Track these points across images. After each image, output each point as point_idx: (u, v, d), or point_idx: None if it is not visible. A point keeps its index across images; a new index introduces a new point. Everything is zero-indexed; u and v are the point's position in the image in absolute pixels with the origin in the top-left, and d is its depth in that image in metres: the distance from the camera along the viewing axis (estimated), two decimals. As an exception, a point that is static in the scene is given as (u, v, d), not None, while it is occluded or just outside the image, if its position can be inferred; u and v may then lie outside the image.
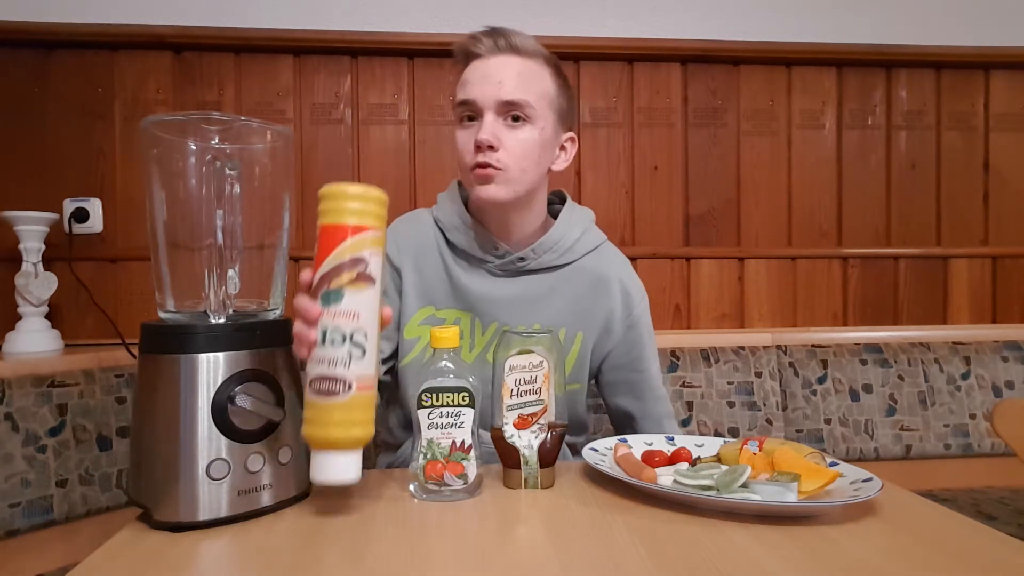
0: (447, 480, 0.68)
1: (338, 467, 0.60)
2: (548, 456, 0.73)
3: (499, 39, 0.88)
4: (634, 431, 1.01)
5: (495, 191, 0.88)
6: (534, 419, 0.72)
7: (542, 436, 0.72)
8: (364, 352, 0.60)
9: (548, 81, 0.91)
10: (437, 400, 0.68)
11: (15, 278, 1.33)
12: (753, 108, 1.69)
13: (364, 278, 0.61)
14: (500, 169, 0.87)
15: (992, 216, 1.74)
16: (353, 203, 0.61)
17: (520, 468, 0.72)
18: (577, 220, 0.99)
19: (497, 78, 0.86)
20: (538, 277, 0.95)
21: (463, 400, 0.68)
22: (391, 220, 1.04)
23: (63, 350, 1.34)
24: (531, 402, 0.72)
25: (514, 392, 0.72)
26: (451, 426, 0.69)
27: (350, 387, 0.59)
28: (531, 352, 0.72)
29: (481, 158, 0.86)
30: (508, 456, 0.72)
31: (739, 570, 0.51)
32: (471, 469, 0.69)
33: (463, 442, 0.69)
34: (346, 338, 0.59)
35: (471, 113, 0.89)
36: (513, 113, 0.87)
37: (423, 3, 1.57)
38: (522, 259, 0.94)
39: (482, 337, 0.94)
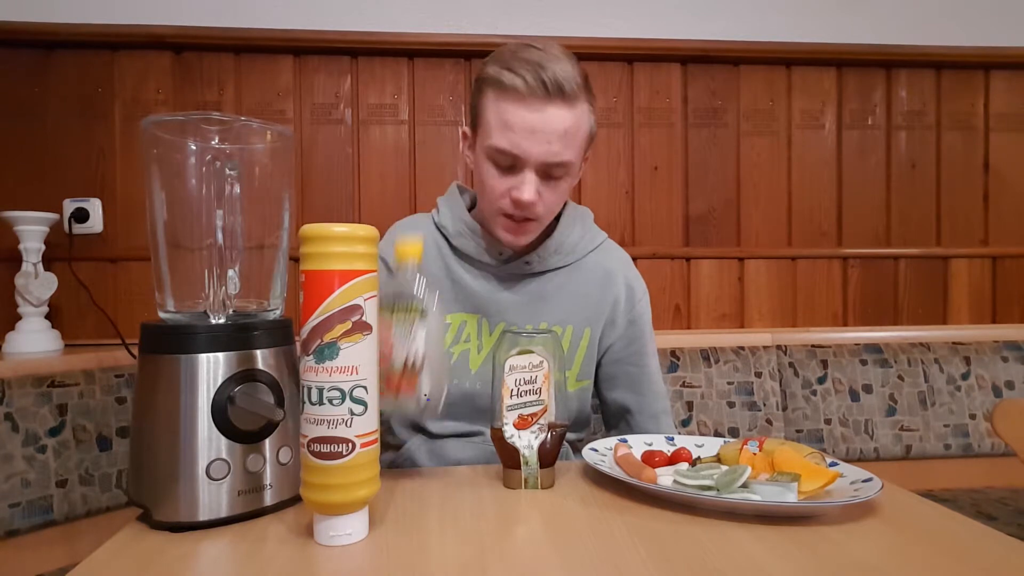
0: (402, 397, 0.67)
1: (343, 530, 0.57)
2: (548, 456, 0.72)
3: (546, 76, 0.80)
4: (628, 426, 1.02)
5: (524, 239, 0.91)
6: (534, 419, 0.72)
7: (542, 436, 0.72)
8: (366, 408, 0.56)
9: (586, 118, 0.86)
10: (390, 314, 0.67)
11: (15, 278, 1.33)
12: (753, 108, 1.69)
13: (360, 327, 0.56)
14: (534, 220, 0.88)
15: (992, 216, 1.74)
16: (339, 246, 0.56)
17: (520, 468, 0.71)
18: (578, 220, 1.01)
19: (546, 137, 0.82)
20: (544, 277, 0.97)
21: (415, 313, 0.65)
22: (392, 221, 1.05)
23: (63, 350, 1.35)
24: (531, 402, 0.72)
25: (514, 392, 0.72)
26: (404, 338, 0.65)
27: (353, 447, 0.56)
28: (531, 352, 0.72)
29: (519, 214, 0.87)
30: (508, 456, 0.72)
31: (739, 570, 0.51)
32: (426, 385, 0.67)
33: (416, 358, 0.66)
34: (345, 395, 0.55)
35: (511, 163, 0.85)
36: (555, 170, 0.86)
37: (423, 3, 1.57)
38: (528, 263, 0.95)
39: (489, 338, 0.95)
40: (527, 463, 0.71)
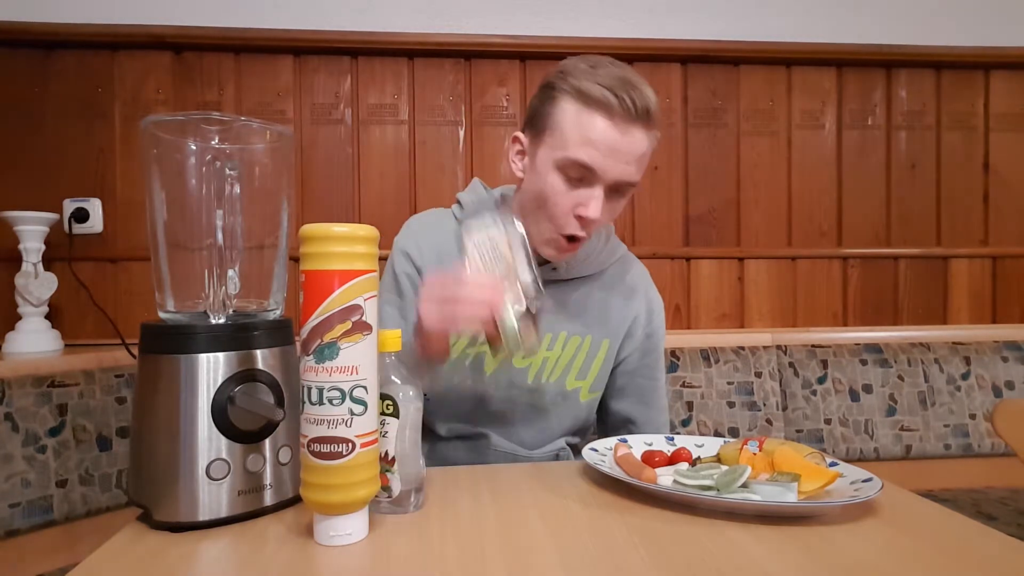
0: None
1: (343, 530, 0.57)
2: (526, 315, 0.73)
3: (636, 96, 0.79)
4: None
5: (568, 256, 0.90)
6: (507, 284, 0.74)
7: (519, 306, 0.73)
8: (365, 407, 0.56)
9: (654, 143, 0.86)
10: None
11: (15, 278, 1.33)
12: (753, 108, 1.69)
13: (360, 327, 0.56)
14: (586, 239, 0.87)
15: (992, 216, 1.75)
16: (339, 246, 0.56)
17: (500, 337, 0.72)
18: (603, 231, 1.00)
19: (625, 156, 0.81)
20: (567, 285, 0.96)
21: (387, 409, 0.64)
22: (392, 221, 1.05)
23: (63, 350, 1.35)
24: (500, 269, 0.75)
25: (478, 268, 0.74)
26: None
27: (352, 447, 0.55)
28: (484, 225, 0.75)
29: (582, 232, 0.85)
30: (490, 332, 0.73)
31: (739, 570, 0.51)
32: (395, 483, 0.64)
33: (386, 453, 0.64)
34: (345, 395, 0.55)
35: (583, 177, 0.82)
36: (623, 189, 0.85)
37: (423, 3, 1.57)
38: (555, 269, 0.94)
39: None
40: (504, 324, 0.71)
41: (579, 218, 0.83)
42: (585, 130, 0.80)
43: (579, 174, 0.82)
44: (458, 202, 0.99)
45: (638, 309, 0.99)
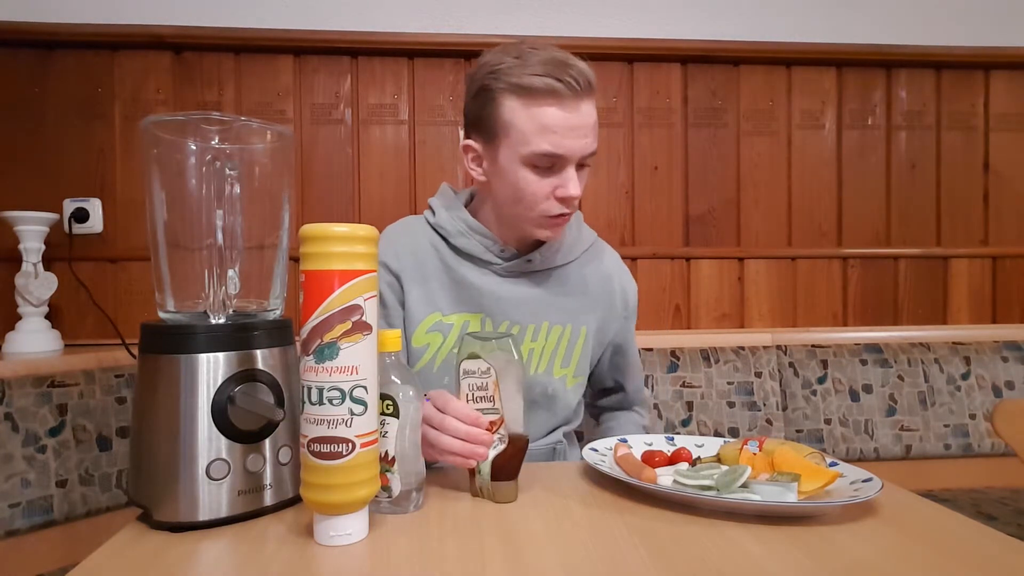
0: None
1: (343, 530, 0.57)
2: (505, 470, 0.69)
3: (575, 74, 0.82)
4: (613, 402, 1.11)
5: (562, 231, 0.94)
6: (492, 428, 0.69)
7: (499, 447, 0.68)
8: (365, 407, 0.56)
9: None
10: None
11: (15, 278, 1.33)
12: (753, 108, 1.69)
13: (360, 327, 0.56)
14: (571, 212, 0.91)
15: (992, 216, 1.74)
16: (339, 246, 0.56)
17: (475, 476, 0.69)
18: (574, 220, 1.03)
19: (583, 131, 0.84)
20: (543, 276, 0.98)
21: (387, 409, 0.64)
22: (392, 221, 1.05)
23: (63, 350, 1.34)
24: (486, 410, 0.69)
25: (469, 397, 0.69)
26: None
27: (353, 447, 0.56)
28: (479, 358, 0.69)
29: (567, 209, 0.89)
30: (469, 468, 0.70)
31: (739, 570, 0.51)
32: (395, 483, 0.64)
33: (386, 453, 0.64)
34: (345, 395, 0.55)
35: (552, 164, 0.85)
36: (587, 160, 0.89)
37: (423, 3, 1.57)
38: (529, 260, 0.96)
39: None
40: (479, 473, 0.69)
41: (564, 199, 0.87)
42: (540, 121, 0.83)
43: (548, 163, 0.85)
44: (430, 207, 1.01)
45: (613, 297, 1.03)
